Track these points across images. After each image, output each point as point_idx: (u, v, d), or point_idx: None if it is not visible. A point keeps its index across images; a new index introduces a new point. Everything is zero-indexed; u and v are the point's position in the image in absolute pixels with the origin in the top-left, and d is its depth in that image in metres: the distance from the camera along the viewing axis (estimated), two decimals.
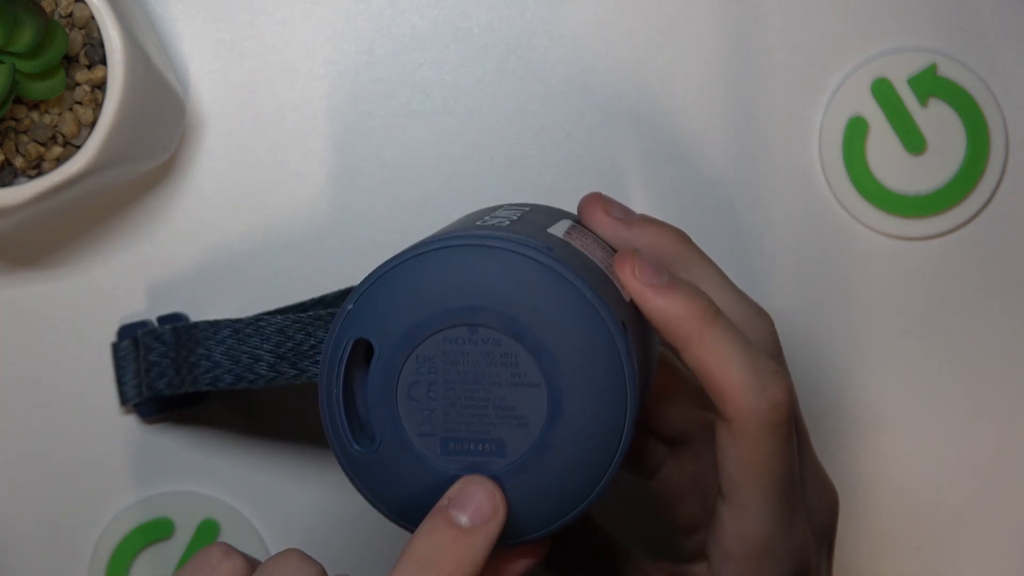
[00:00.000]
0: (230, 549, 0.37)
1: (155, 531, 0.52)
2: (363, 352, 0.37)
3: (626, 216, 0.42)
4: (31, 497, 0.52)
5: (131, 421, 0.52)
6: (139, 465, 0.52)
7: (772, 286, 0.52)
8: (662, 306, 0.37)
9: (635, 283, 0.38)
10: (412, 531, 0.36)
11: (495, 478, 0.36)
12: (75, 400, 0.52)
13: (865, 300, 0.53)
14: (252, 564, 0.37)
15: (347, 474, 0.37)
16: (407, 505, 0.36)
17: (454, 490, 0.36)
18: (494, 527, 0.35)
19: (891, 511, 0.53)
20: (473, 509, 0.35)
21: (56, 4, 0.45)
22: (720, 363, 0.37)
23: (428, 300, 0.36)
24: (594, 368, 0.36)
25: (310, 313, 0.44)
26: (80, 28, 0.45)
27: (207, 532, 0.52)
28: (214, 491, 0.52)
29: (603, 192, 0.43)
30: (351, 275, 0.52)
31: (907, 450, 0.53)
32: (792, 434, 0.39)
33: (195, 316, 0.52)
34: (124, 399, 0.51)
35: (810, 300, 0.53)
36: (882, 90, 0.52)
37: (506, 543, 0.36)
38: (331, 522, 0.52)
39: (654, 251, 0.41)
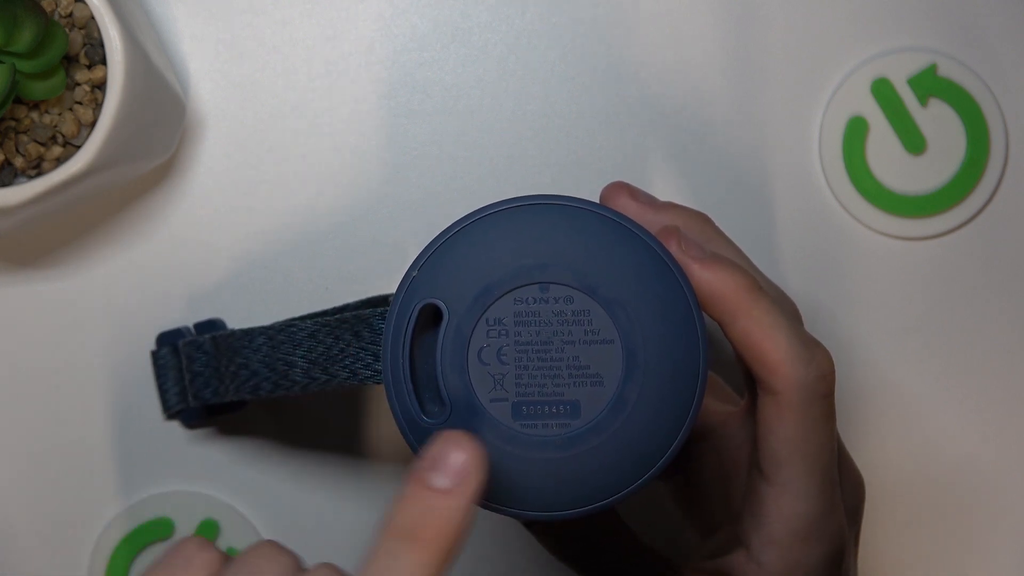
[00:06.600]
0: (205, 542, 0.34)
1: (155, 531, 0.52)
2: (425, 320, 0.36)
3: (652, 201, 0.42)
4: (30, 496, 0.52)
5: (130, 421, 0.52)
6: (139, 465, 0.52)
7: None
8: (710, 279, 0.38)
9: (682, 256, 0.38)
10: (483, 506, 0.35)
11: (570, 440, 0.36)
12: (74, 400, 0.52)
13: (865, 300, 0.53)
14: (227, 558, 0.34)
15: (415, 448, 0.36)
16: None
17: (430, 452, 0.32)
18: (475, 482, 0.32)
19: (891, 511, 0.53)
20: (450, 468, 0.31)
21: (56, 4, 0.45)
22: (770, 334, 0.38)
23: (498, 260, 0.36)
24: (667, 321, 0.35)
25: (337, 316, 0.43)
26: (80, 28, 0.45)
27: (207, 532, 0.52)
28: (214, 491, 0.52)
29: None
30: (352, 275, 0.52)
31: (907, 449, 0.53)
32: (834, 409, 0.39)
33: (194, 317, 0.52)
34: (167, 406, 0.50)
35: (810, 300, 0.53)
36: (882, 90, 0.52)
37: (580, 510, 0.36)
38: (331, 522, 0.52)
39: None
